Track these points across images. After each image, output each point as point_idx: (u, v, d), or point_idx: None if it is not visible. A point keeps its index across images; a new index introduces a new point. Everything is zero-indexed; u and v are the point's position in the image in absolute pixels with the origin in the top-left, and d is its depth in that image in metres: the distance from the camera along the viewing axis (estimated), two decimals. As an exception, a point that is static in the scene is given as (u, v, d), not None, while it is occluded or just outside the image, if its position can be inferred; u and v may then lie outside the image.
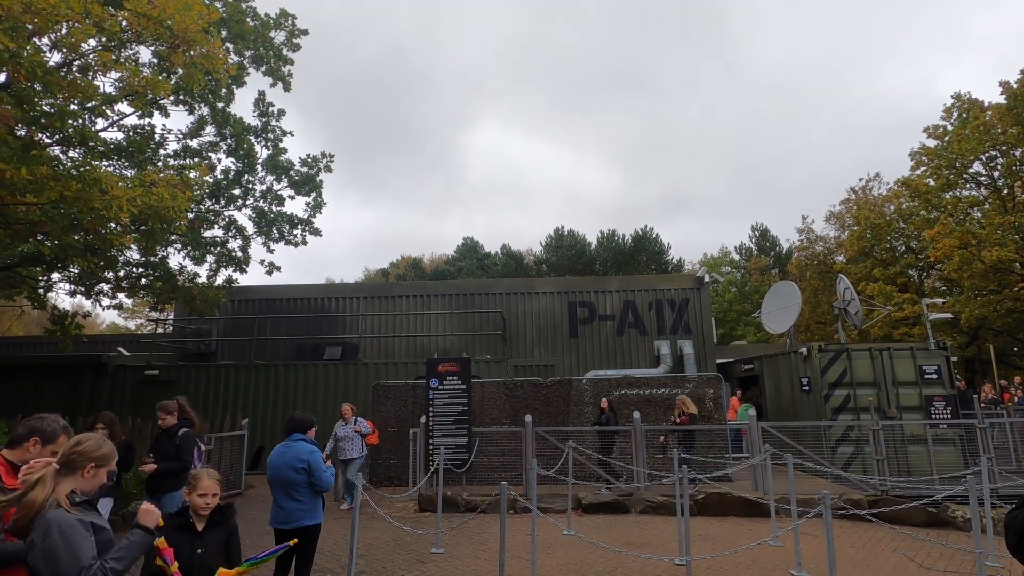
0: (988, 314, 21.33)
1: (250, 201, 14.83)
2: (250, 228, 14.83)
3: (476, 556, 7.01)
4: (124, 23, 8.88)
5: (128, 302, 14.81)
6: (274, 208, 15.04)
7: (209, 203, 14.07)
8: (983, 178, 24.09)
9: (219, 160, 14.22)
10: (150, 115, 12.34)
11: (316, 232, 15.42)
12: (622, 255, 41.36)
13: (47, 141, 9.73)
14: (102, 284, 12.51)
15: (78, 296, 12.79)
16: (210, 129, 13.83)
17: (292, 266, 73.50)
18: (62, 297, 61.39)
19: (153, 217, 9.13)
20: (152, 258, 12.66)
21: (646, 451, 9.90)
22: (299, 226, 15.28)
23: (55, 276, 12.35)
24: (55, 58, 9.51)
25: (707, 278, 18.95)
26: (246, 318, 17.99)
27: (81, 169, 9.15)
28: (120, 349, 18.08)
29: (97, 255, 10.04)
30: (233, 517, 3.41)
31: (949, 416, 11.18)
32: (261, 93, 14.67)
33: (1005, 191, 23.47)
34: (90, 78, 9.43)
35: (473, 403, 10.76)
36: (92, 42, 9.15)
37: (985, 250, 20.51)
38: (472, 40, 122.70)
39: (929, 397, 11.44)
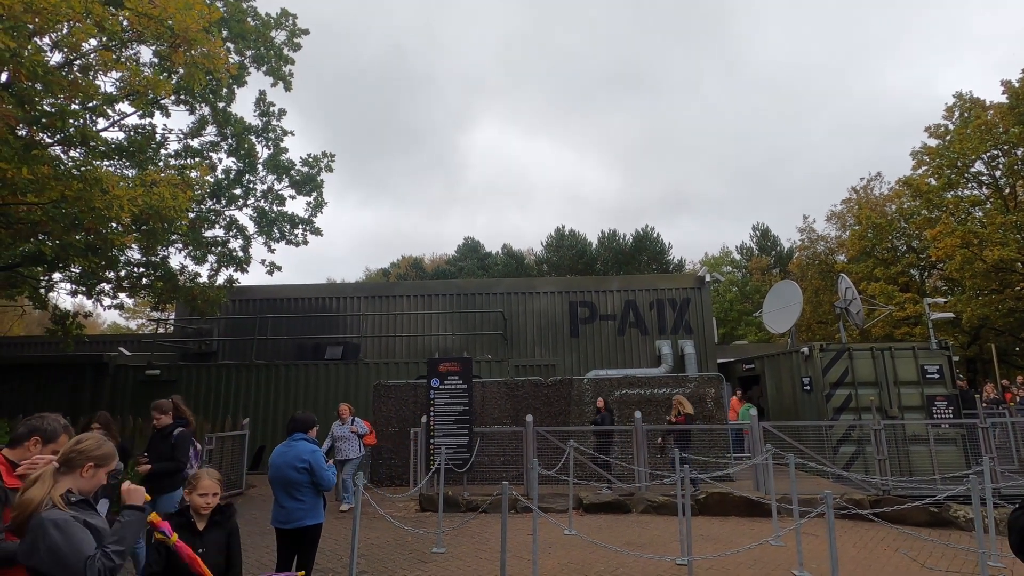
0: (990, 314, 21.30)
1: (251, 201, 14.84)
2: (251, 228, 14.85)
3: (477, 556, 7.00)
4: (125, 22, 8.87)
5: (129, 302, 14.80)
6: (275, 208, 15.05)
7: (210, 203, 14.08)
8: (985, 177, 24.06)
9: (220, 160, 14.24)
10: (151, 115, 12.35)
11: (317, 232, 15.43)
12: (623, 255, 41.35)
13: (48, 141, 9.73)
14: (103, 284, 12.52)
15: (79, 296, 12.82)
16: (211, 129, 13.83)
17: (293, 266, 73.60)
18: (63, 297, 61.51)
19: (154, 217, 9.13)
20: (153, 258, 12.66)
21: (647, 451, 9.89)
22: (300, 226, 15.29)
23: (56, 276, 12.35)
24: (56, 58, 9.51)
25: (708, 278, 18.93)
26: (247, 318, 17.99)
27: (82, 169, 9.16)
28: (121, 349, 18.10)
29: (98, 255, 10.04)
30: (234, 517, 3.41)
31: (951, 416, 11.16)
32: (262, 93, 14.68)
33: (1007, 190, 23.44)
34: (91, 78, 9.44)
35: (474, 403, 10.75)
36: (93, 41, 9.15)
37: (987, 249, 20.48)
38: (472, 40, 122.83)
39: (931, 397, 11.42)
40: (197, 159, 13.55)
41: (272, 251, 15.20)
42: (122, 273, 12.34)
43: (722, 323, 37.27)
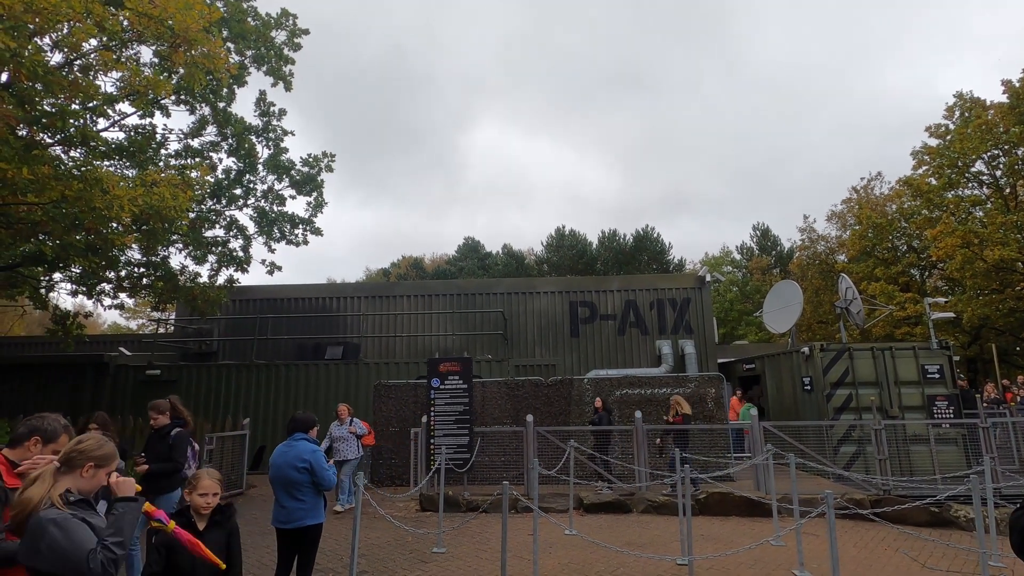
0: (990, 313, 21.29)
1: (251, 201, 14.84)
2: (251, 228, 14.86)
3: (478, 556, 7.00)
4: (125, 23, 8.88)
5: (129, 302, 14.80)
6: (275, 208, 15.05)
7: (210, 203, 14.08)
8: (985, 177, 24.05)
9: (220, 160, 14.25)
10: (151, 115, 12.36)
11: (317, 232, 15.43)
12: (623, 255, 41.34)
13: (48, 141, 9.74)
14: (103, 284, 12.52)
15: (79, 296, 12.83)
16: (211, 129, 13.84)
17: (293, 266, 73.65)
18: (63, 297, 61.61)
19: (154, 217, 9.14)
20: (153, 258, 12.67)
21: (647, 451, 9.89)
22: (300, 226, 15.30)
23: (56, 276, 12.37)
24: (56, 58, 9.52)
25: (708, 278, 18.91)
26: (247, 318, 17.99)
27: (82, 169, 9.16)
28: (122, 349, 18.10)
29: (98, 255, 10.04)
30: (234, 517, 3.41)
31: (951, 415, 11.15)
32: (262, 93, 14.69)
33: (1007, 190, 23.43)
34: (91, 78, 9.44)
35: (474, 403, 10.75)
36: (93, 41, 9.16)
37: (987, 249, 20.48)
38: (472, 40, 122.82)
39: (931, 396, 11.41)
40: (197, 159, 13.56)
41: (272, 251, 15.23)
42: (122, 273, 12.35)
43: (722, 323, 37.25)
